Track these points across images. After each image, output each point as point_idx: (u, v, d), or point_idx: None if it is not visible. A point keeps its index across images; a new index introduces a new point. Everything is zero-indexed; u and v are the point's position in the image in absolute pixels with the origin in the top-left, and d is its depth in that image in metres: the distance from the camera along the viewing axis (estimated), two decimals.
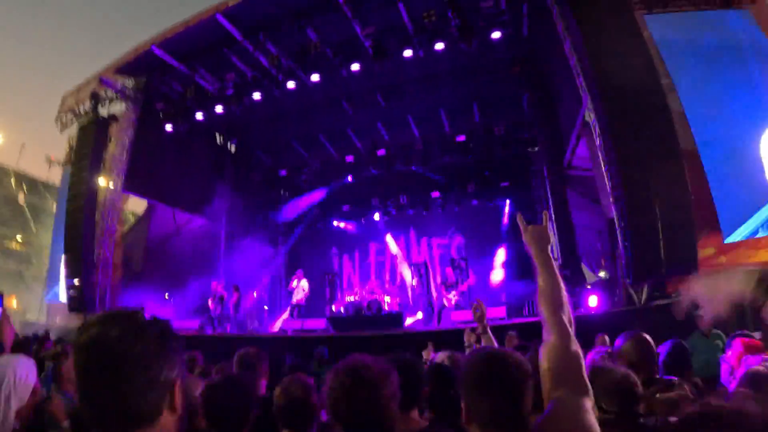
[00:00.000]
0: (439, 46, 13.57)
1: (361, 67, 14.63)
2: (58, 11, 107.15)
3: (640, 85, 9.74)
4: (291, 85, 15.34)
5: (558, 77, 13.72)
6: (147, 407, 1.20)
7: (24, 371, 2.96)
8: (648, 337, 3.55)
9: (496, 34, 13.06)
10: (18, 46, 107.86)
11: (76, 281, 15.70)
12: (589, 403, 1.73)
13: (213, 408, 2.63)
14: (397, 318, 14.50)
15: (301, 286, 16.49)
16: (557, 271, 2.06)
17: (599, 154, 10.74)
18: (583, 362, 1.84)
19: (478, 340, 4.22)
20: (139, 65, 16.30)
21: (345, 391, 1.90)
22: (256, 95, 15.88)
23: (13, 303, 28.55)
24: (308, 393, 2.88)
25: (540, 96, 15.85)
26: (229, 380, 2.87)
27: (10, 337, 2.46)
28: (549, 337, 1.89)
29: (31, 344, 4.26)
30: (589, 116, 10.95)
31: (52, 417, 3.47)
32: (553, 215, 15.22)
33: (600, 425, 1.68)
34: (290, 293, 16.83)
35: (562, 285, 2.02)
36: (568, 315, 1.95)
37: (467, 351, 4.49)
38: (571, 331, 1.90)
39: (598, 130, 10.52)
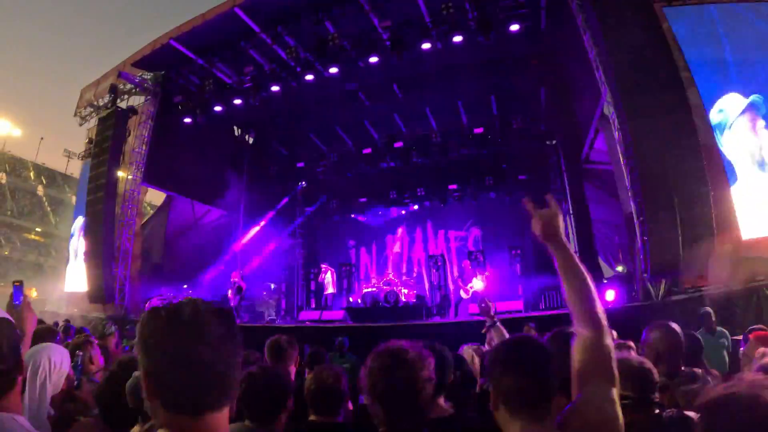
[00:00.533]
0: (458, 38, 13.50)
1: (379, 59, 14.61)
2: (76, 6, 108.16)
3: (659, 78, 9.65)
4: (309, 77, 15.42)
5: (576, 71, 13.62)
6: (236, 387, 1.25)
7: (59, 359, 3.05)
8: (677, 328, 3.52)
9: (514, 27, 12.98)
10: (37, 41, 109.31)
11: (95, 272, 15.92)
12: (615, 393, 1.75)
13: (251, 397, 2.66)
14: (414, 309, 14.55)
15: (331, 279, 16.88)
16: (576, 259, 1.95)
17: (618, 148, 10.66)
18: (614, 355, 1.82)
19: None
20: (158, 59, 16.43)
21: (385, 371, 1.98)
22: (275, 88, 15.97)
23: (32, 293, 28.95)
24: (339, 380, 2.98)
25: (558, 89, 15.76)
26: (266, 370, 2.90)
27: (33, 325, 2.51)
28: (583, 330, 1.84)
29: (55, 332, 4.34)
30: (608, 110, 10.86)
31: (84, 403, 3.58)
32: (570, 209, 15.19)
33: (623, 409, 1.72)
34: (321, 285, 17.24)
35: (586, 273, 1.91)
36: (600, 306, 1.88)
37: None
38: (605, 322, 1.84)
39: (617, 123, 10.44)
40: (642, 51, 9.83)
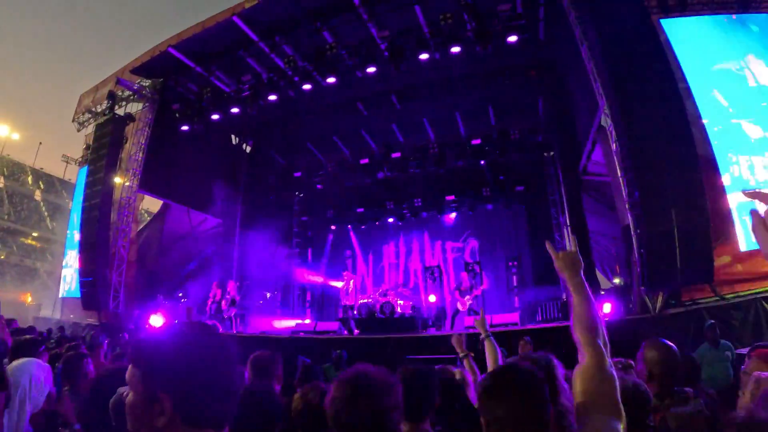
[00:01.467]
0: (456, 49, 13.47)
1: (377, 69, 14.59)
2: (74, 12, 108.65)
3: (657, 90, 9.63)
4: (307, 86, 15.39)
5: (574, 82, 13.63)
6: None
7: (40, 376, 2.97)
8: (672, 345, 3.45)
9: (512, 38, 12.94)
10: (36, 47, 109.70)
11: (90, 278, 15.84)
12: (621, 426, 1.71)
13: (242, 418, 2.60)
14: (410, 321, 14.46)
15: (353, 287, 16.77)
16: (591, 294, 2.08)
17: (615, 160, 10.62)
18: (617, 385, 1.82)
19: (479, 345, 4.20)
20: (156, 66, 16.46)
21: (346, 401, 1.90)
22: (272, 97, 15.93)
23: (27, 298, 28.96)
24: (325, 399, 2.86)
25: (556, 100, 15.79)
26: (257, 391, 2.81)
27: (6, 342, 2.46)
28: (583, 359, 1.89)
29: (41, 344, 4.23)
30: (606, 121, 10.85)
31: (64, 419, 3.49)
32: (568, 221, 15.17)
33: None
34: (346, 293, 17.05)
35: (596, 308, 2.03)
36: (603, 338, 1.96)
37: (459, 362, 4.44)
38: (607, 353, 1.90)
39: (614, 135, 10.40)
40: (639, 62, 9.83)
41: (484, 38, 12.97)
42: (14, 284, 36.23)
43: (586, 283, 2.12)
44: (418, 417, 2.62)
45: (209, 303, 15.83)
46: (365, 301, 17.36)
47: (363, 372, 1.99)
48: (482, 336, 4.07)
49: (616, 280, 12.44)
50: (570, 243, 2.39)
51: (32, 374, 2.88)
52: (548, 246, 2.32)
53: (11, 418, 2.54)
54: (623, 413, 1.75)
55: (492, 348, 3.90)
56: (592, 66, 10.83)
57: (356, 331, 14.42)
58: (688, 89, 10.27)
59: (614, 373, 1.85)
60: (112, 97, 17.26)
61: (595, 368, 1.83)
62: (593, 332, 1.95)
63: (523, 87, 16.03)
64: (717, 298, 9.29)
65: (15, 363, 2.96)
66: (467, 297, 14.67)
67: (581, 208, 14.87)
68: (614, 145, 10.47)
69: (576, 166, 15.03)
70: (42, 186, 50.00)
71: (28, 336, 4.53)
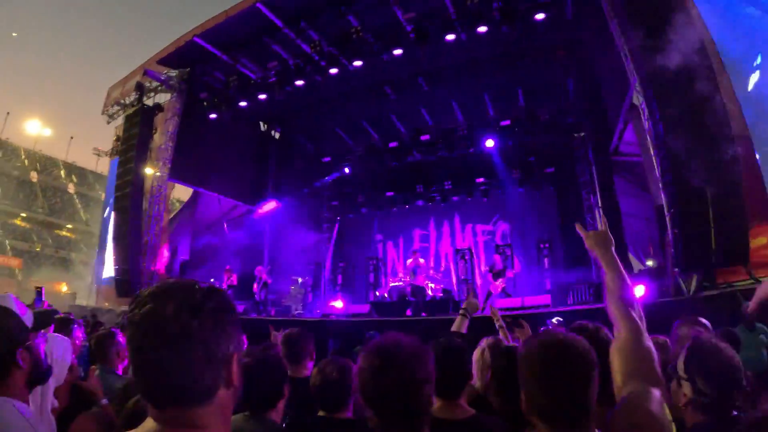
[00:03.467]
0: (482, 29, 13.28)
1: (403, 52, 14.50)
2: (99, 7, 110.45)
3: (690, 65, 9.29)
4: (333, 71, 15.38)
5: (604, 60, 13.32)
6: (205, 384, 1.15)
7: (60, 350, 3.02)
8: (707, 323, 3.36)
9: (539, 16, 12.72)
10: (62, 43, 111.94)
11: (123, 267, 16.17)
12: (658, 393, 1.68)
13: (245, 387, 2.63)
14: (441, 304, 14.45)
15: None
16: (623, 270, 2.09)
17: (648, 139, 10.36)
18: (656, 357, 1.81)
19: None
20: (182, 56, 16.63)
21: (373, 372, 1.80)
22: (299, 82, 15.98)
23: (62, 288, 29.78)
24: (344, 374, 2.88)
25: (585, 80, 15.49)
26: (258, 360, 2.84)
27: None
28: (620, 334, 1.89)
29: (73, 324, 4.36)
30: (638, 99, 10.56)
31: (90, 394, 3.56)
32: (599, 202, 14.92)
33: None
34: (414, 272, 15.92)
35: (629, 282, 2.05)
36: (638, 311, 1.96)
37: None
38: (643, 326, 1.90)
39: (646, 113, 10.12)
40: (672, 37, 9.51)
41: (510, 18, 12.72)
42: (50, 275, 37.28)
43: (617, 258, 2.14)
44: (452, 393, 2.58)
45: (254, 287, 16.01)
46: (396, 284, 17.37)
47: (393, 340, 1.88)
48: (497, 324, 4.11)
49: (650, 263, 12.17)
50: (601, 224, 2.35)
51: (52, 349, 2.93)
52: (578, 227, 2.37)
53: (35, 391, 2.59)
54: (663, 382, 1.75)
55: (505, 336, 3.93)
56: (622, 42, 10.55)
57: (408, 312, 14.20)
58: (721, 64, 9.92)
59: (651, 345, 1.82)
60: (140, 88, 17.50)
61: (632, 341, 1.83)
62: (628, 306, 1.95)
63: (552, 67, 15.72)
64: (752, 280, 9.00)
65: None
66: (500, 279, 14.56)
67: (613, 189, 14.60)
68: (646, 123, 10.20)
69: (607, 147, 14.74)
70: (74, 179, 51.42)
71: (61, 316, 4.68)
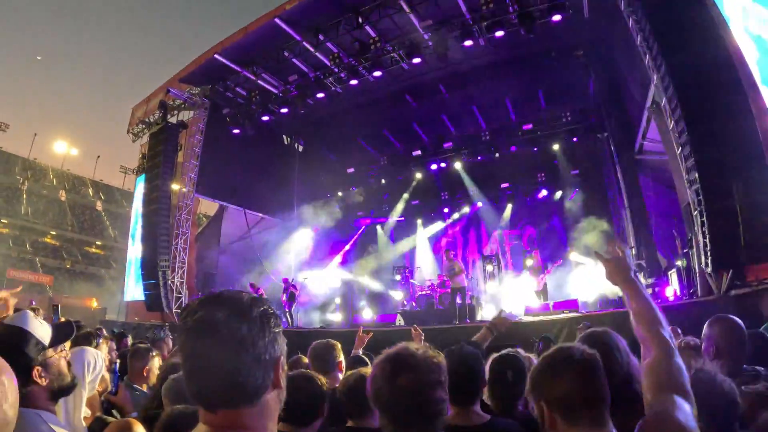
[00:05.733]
0: (500, 33, 13.29)
1: (421, 60, 14.62)
2: (120, 28, 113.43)
3: (710, 58, 9.09)
4: (354, 82, 15.58)
5: (624, 58, 13.16)
6: (254, 386, 1.22)
7: (92, 362, 3.10)
8: (740, 322, 3.29)
9: (556, 17, 12.64)
10: (87, 65, 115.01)
11: (152, 281, 16.40)
12: (689, 406, 1.66)
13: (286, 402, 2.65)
14: (470, 311, 14.34)
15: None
16: (645, 291, 2.06)
17: (672, 136, 10.20)
18: (686, 374, 1.79)
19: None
20: (204, 73, 16.94)
21: (386, 378, 1.83)
22: (320, 95, 16.24)
23: (93, 303, 30.33)
24: (365, 382, 2.86)
25: (606, 80, 15.34)
26: (301, 375, 2.89)
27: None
28: (651, 352, 1.86)
29: (96, 337, 4.48)
30: (659, 96, 10.41)
31: (119, 408, 3.70)
32: (626, 202, 14.75)
33: None
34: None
35: (654, 304, 1.99)
36: (668, 330, 1.92)
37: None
38: (674, 344, 1.87)
39: (669, 110, 9.97)
40: (690, 31, 9.35)
41: (527, 20, 12.71)
42: (81, 290, 38.03)
43: (638, 282, 2.09)
44: (466, 400, 2.58)
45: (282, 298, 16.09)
46: (424, 292, 17.32)
47: (404, 349, 1.91)
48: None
49: (678, 262, 11.92)
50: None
51: (85, 361, 3.02)
52: (597, 256, 2.30)
53: (67, 401, 2.68)
54: (692, 397, 1.71)
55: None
56: (641, 39, 10.42)
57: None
58: (740, 51, 9.71)
59: (682, 363, 1.81)
60: (163, 106, 17.80)
61: (664, 360, 1.80)
62: (657, 324, 1.91)
63: (571, 69, 15.54)
64: None
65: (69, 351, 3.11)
66: (541, 276, 14.43)
67: (639, 188, 14.42)
68: (669, 120, 10.05)
69: (631, 146, 14.56)
70: (102, 197, 52.76)
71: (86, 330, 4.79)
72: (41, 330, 2.06)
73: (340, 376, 3.89)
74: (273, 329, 1.27)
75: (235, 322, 1.20)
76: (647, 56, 10.28)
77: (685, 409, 1.63)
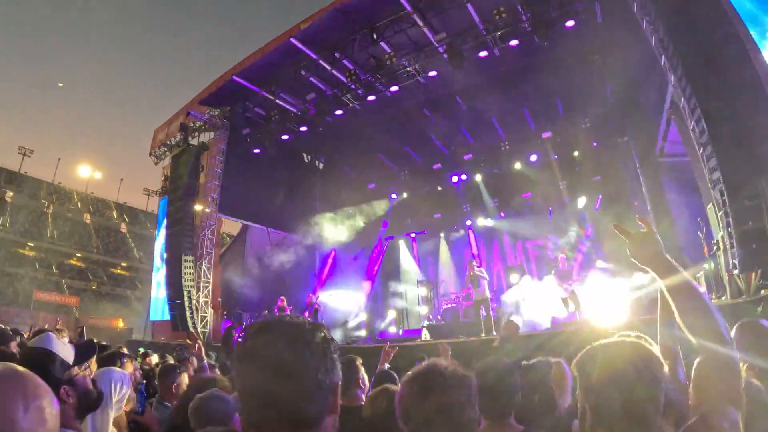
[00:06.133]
0: (514, 42, 13.36)
1: (437, 73, 14.70)
2: (139, 54, 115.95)
3: (726, 55, 9.03)
4: (371, 98, 15.69)
5: (639, 61, 13.03)
6: (314, 411, 1.22)
7: (119, 382, 3.16)
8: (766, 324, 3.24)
9: (569, 23, 12.62)
10: (108, 90, 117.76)
11: (177, 301, 16.60)
12: (737, 414, 1.48)
13: None
14: (495, 323, 14.18)
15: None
16: (685, 273, 1.75)
17: (692, 136, 10.08)
18: (741, 375, 1.59)
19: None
20: (223, 95, 17.24)
21: (414, 397, 1.82)
22: (338, 112, 16.41)
23: (119, 324, 30.75)
24: (393, 402, 2.85)
25: (623, 83, 15.17)
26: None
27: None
28: (708, 347, 1.59)
29: (121, 358, 4.55)
30: (678, 97, 10.30)
31: (146, 428, 3.74)
32: (649, 206, 14.56)
33: None
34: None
35: (698, 286, 1.72)
36: (723, 322, 1.63)
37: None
38: (728, 337, 1.61)
39: (688, 110, 9.86)
40: (705, 29, 9.26)
41: (541, 28, 12.67)
42: (107, 311, 38.58)
43: (672, 261, 1.79)
44: (498, 414, 2.54)
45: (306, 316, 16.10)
46: (449, 306, 17.25)
47: (432, 366, 1.90)
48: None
49: (706, 265, 11.72)
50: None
51: (112, 380, 3.09)
52: (617, 229, 2.02)
53: (95, 420, 2.73)
54: (744, 405, 1.51)
55: None
56: (655, 41, 10.35)
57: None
58: (756, 48, 9.57)
59: (737, 359, 1.59)
60: (184, 129, 18.10)
61: (723, 357, 1.57)
62: (709, 314, 1.64)
63: (588, 74, 15.40)
64: None
65: (96, 372, 3.16)
66: (570, 281, 13.83)
67: (662, 191, 14.20)
68: (689, 120, 9.94)
69: (652, 149, 14.39)
70: (126, 219, 53.73)
71: (110, 350, 4.89)
72: (65, 350, 2.12)
73: (361, 394, 3.88)
74: (332, 354, 1.27)
75: (299, 348, 1.21)
76: (663, 57, 10.20)
77: (733, 419, 1.47)
